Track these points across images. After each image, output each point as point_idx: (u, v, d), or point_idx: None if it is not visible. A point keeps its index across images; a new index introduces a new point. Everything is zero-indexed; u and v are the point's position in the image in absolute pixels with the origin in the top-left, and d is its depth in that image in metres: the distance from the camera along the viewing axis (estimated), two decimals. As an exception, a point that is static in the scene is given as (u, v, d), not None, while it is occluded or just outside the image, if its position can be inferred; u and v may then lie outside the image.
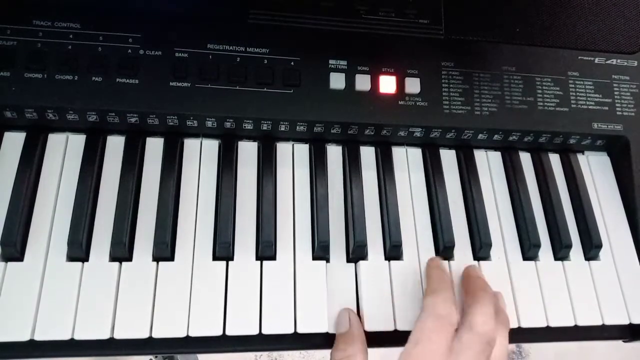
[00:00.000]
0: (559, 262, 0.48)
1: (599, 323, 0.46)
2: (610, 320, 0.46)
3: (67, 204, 0.42)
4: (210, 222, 0.44)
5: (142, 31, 0.45)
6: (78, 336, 0.38)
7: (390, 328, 0.42)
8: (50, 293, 0.39)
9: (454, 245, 0.45)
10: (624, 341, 0.48)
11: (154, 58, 0.44)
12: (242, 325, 0.40)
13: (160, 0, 0.46)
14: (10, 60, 0.42)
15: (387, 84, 0.47)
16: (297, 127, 0.47)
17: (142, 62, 0.44)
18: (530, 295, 0.45)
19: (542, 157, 0.52)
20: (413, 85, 0.47)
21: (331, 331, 0.42)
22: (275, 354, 1.26)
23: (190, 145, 0.47)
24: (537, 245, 0.47)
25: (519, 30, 0.52)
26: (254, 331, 0.40)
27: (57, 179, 0.43)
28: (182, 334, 0.39)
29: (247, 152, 0.47)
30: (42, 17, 0.43)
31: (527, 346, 1.34)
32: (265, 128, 0.47)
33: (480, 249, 0.46)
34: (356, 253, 0.44)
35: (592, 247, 0.48)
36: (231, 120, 0.45)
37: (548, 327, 0.45)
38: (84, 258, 0.41)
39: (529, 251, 0.47)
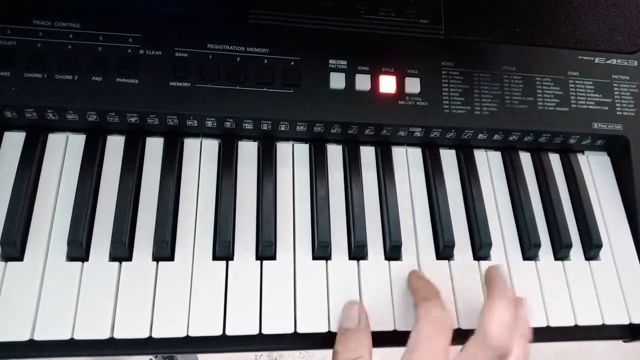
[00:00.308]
0: (559, 262, 0.48)
1: (599, 323, 0.46)
2: (610, 320, 0.46)
3: (67, 203, 0.42)
4: (210, 222, 0.44)
5: (142, 31, 0.45)
6: (78, 336, 0.38)
7: (390, 328, 0.42)
8: (50, 293, 0.39)
9: (454, 245, 0.45)
10: (624, 341, 0.48)
11: (154, 58, 0.44)
12: (242, 325, 0.40)
13: (160, 0, 0.46)
14: (10, 60, 0.42)
15: (387, 84, 0.47)
16: (297, 127, 0.47)
17: (142, 62, 0.44)
18: (530, 295, 0.45)
19: (542, 157, 0.52)
20: (413, 85, 0.47)
21: (333, 330, 0.41)
22: (275, 354, 1.26)
23: (190, 145, 0.47)
24: (537, 245, 0.47)
25: (519, 30, 0.52)
26: (254, 331, 0.40)
27: (57, 179, 0.43)
28: (182, 334, 0.39)
29: (247, 151, 0.47)
30: (42, 17, 0.43)
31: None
32: (265, 128, 0.47)
33: (480, 248, 0.46)
34: (356, 253, 0.44)
35: (592, 247, 0.48)
36: (231, 120, 0.45)
37: (548, 327, 0.45)
38: (84, 258, 0.41)
39: (529, 251, 0.47)
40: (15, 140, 0.44)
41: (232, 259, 0.43)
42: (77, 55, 0.43)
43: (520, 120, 0.49)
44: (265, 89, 0.45)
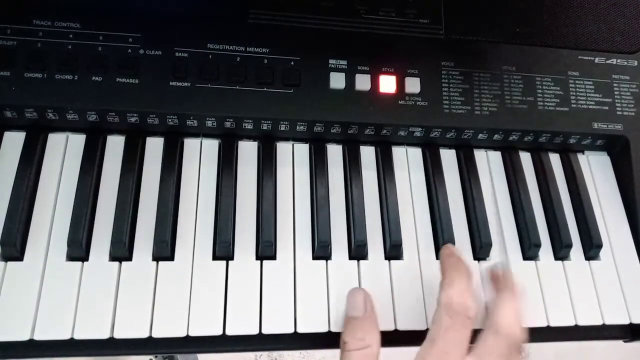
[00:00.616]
0: (559, 262, 0.48)
1: (600, 323, 0.46)
2: (610, 320, 0.46)
3: (67, 203, 0.42)
4: (210, 222, 0.44)
5: (142, 31, 0.45)
6: (78, 336, 0.38)
7: (391, 328, 0.42)
8: (50, 293, 0.39)
9: (453, 245, 0.45)
10: (624, 341, 0.48)
11: (154, 58, 0.44)
12: (242, 325, 0.40)
13: (160, 0, 0.46)
14: (10, 60, 0.42)
15: (387, 84, 0.47)
16: (297, 126, 0.47)
17: (142, 62, 0.44)
18: (530, 295, 0.45)
19: (542, 157, 0.52)
20: (413, 85, 0.47)
21: (333, 330, 0.41)
22: (275, 353, 1.26)
23: (190, 145, 0.47)
24: (538, 245, 0.47)
25: (519, 30, 0.52)
26: (254, 331, 0.40)
27: (57, 179, 0.43)
28: (182, 334, 0.39)
29: (247, 151, 0.47)
30: (42, 17, 0.43)
31: (527, 346, 1.34)
32: (265, 128, 0.47)
33: (481, 248, 0.46)
34: (356, 253, 0.44)
35: (592, 247, 0.48)
36: (231, 120, 0.45)
37: (548, 327, 0.45)
38: (84, 257, 0.41)
39: (529, 251, 0.47)
40: (15, 140, 0.44)
41: (232, 259, 0.43)
42: (77, 55, 0.43)
43: (520, 120, 0.49)
44: (265, 89, 0.45)
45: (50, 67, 0.42)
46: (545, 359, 1.34)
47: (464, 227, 0.48)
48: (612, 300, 0.46)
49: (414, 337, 0.41)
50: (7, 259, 0.40)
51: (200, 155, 0.46)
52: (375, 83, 0.47)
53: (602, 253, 0.48)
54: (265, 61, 0.46)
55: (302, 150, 0.48)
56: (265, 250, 0.43)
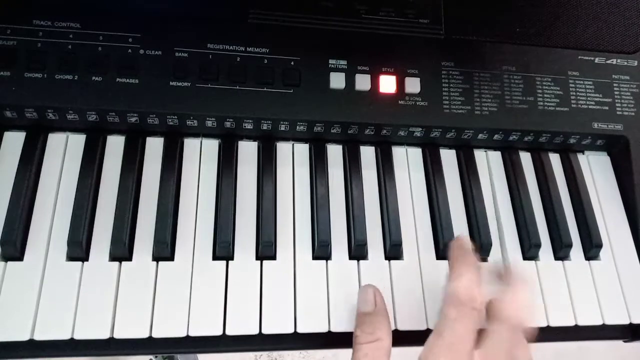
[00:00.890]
0: (559, 262, 0.48)
1: (600, 323, 0.46)
2: (610, 320, 0.46)
3: (67, 203, 0.42)
4: (210, 222, 0.44)
5: (142, 31, 0.45)
6: (78, 336, 0.38)
7: (392, 328, 0.42)
8: (50, 293, 0.39)
9: (454, 245, 0.45)
10: (624, 341, 0.48)
11: (154, 58, 0.44)
12: (242, 325, 0.40)
13: (160, 0, 0.46)
14: (10, 60, 0.42)
15: (387, 84, 0.47)
16: (297, 126, 0.47)
17: (142, 62, 0.44)
18: (530, 295, 0.45)
19: (542, 157, 0.52)
20: (413, 85, 0.47)
21: (333, 330, 0.41)
22: (275, 354, 1.25)
23: (190, 145, 0.47)
24: (538, 245, 0.47)
25: (519, 30, 0.52)
26: (254, 331, 0.40)
27: (57, 179, 0.43)
28: (182, 334, 0.39)
29: (247, 151, 0.47)
30: (42, 17, 0.43)
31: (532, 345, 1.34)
32: (265, 128, 0.47)
33: (481, 248, 0.46)
34: (356, 253, 0.44)
35: (592, 247, 0.48)
36: (231, 120, 0.45)
37: (548, 327, 0.45)
38: (84, 258, 0.41)
39: (529, 251, 0.47)
40: (15, 140, 0.44)
41: (232, 258, 0.43)
42: (77, 55, 0.43)
43: (520, 120, 0.49)
44: (265, 89, 0.45)
45: (50, 67, 0.42)
46: (544, 359, 1.34)
47: (464, 227, 0.48)
48: (612, 300, 0.46)
49: (414, 337, 0.41)
50: (7, 259, 0.40)
51: (200, 155, 0.46)
52: (375, 83, 0.47)
53: (602, 253, 0.48)
54: (265, 61, 0.46)
55: (302, 150, 0.48)
56: (265, 250, 0.43)
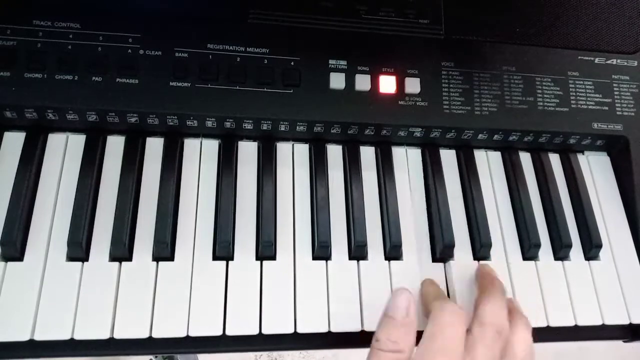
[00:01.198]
0: (559, 262, 0.48)
1: (599, 323, 0.46)
2: (610, 320, 0.46)
3: (67, 203, 0.42)
4: (210, 222, 0.44)
5: (142, 31, 0.45)
6: (78, 336, 0.38)
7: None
8: (50, 293, 0.39)
9: (454, 245, 0.45)
10: (624, 341, 0.48)
11: (154, 58, 0.44)
12: (242, 325, 0.40)
13: (160, 0, 0.46)
14: (10, 60, 0.42)
15: (387, 84, 0.47)
16: (297, 127, 0.47)
17: (142, 62, 0.44)
18: (530, 295, 0.45)
19: (542, 157, 0.52)
20: (413, 85, 0.47)
21: (333, 330, 0.41)
22: (275, 354, 1.25)
23: (190, 145, 0.47)
24: (537, 245, 0.47)
25: (519, 30, 0.52)
26: (254, 331, 0.40)
27: (57, 179, 0.43)
28: (182, 334, 0.39)
29: (247, 152, 0.47)
30: (42, 17, 0.43)
31: (533, 346, 1.34)
32: (265, 128, 0.47)
33: (481, 248, 0.46)
34: (356, 253, 0.44)
35: (592, 247, 0.48)
36: (231, 120, 0.45)
37: (548, 327, 0.45)
38: (84, 258, 0.41)
39: (529, 251, 0.47)
40: (15, 140, 0.44)
41: (232, 259, 0.43)
42: (77, 55, 0.43)
43: (520, 120, 0.49)
44: (265, 89, 0.45)
45: (50, 67, 0.42)
46: (545, 359, 1.34)
47: (464, 227, 0.48)
48: (612, 301, 0.46)
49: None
50: (7, 259, 0.40)
51: (200, 155, 0.46)
52: (375, 83, 0.47)
53: (601, 253, 0.48)
54: (265, 61, 0.46)
55: (302, 150, 0.48)
56: (265, 250, 0.43)
